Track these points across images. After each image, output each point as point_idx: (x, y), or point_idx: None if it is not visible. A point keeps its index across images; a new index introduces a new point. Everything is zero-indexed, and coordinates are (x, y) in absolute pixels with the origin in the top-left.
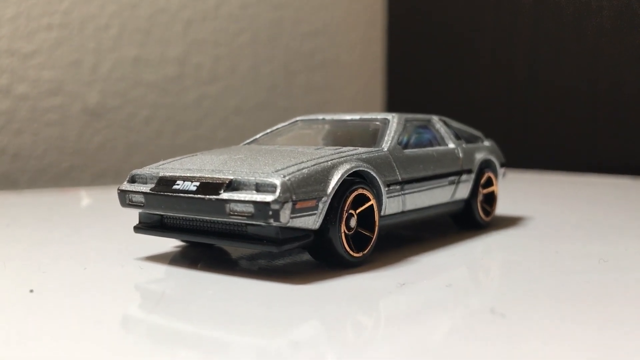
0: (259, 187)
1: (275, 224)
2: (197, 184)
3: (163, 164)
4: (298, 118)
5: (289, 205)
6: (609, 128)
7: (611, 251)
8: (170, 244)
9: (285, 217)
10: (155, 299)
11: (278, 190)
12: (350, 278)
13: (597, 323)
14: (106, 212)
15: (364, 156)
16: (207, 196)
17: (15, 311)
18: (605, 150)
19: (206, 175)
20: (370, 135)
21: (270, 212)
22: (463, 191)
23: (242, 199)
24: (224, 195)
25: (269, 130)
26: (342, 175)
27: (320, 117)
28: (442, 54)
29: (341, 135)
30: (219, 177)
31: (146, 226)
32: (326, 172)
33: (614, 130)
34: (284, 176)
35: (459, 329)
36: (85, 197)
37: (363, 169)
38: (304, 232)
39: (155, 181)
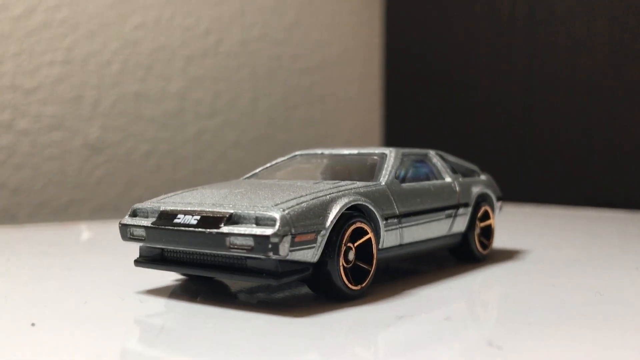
0: (259, 221)
1: (274, 257)
2: (198, 217)
3: (164, 198)
4: (297, 152)
5: (288, 239)
6: (604, 162)
7: (607, 284)
8: (170, 277)
9: (284, 250)
10: (155, 332)
11: (277, 224)
12: (348, 311)
13: (594, 356)
14: (106, 246)
15: (362, 190)
16: (208, 230)
17: (17, 345)
18: (601, 184)
19: (207, 209)
20: (368, 169)
21: (270, 246)
22: (460, 224)
23: (242, 232)
24: (224, 229)
25: (268, 165)
26: (341, 209)
27: (318, 151)
28: (438, 89)
29: (339, 170)
30: (219, 210)
31: (147, 260)
32: (325, 206)
33: (609, 164)
34: (284, 210)
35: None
36: (85, 231)
37: (361, 202)
38: (303, 265)
39: (157, 215)
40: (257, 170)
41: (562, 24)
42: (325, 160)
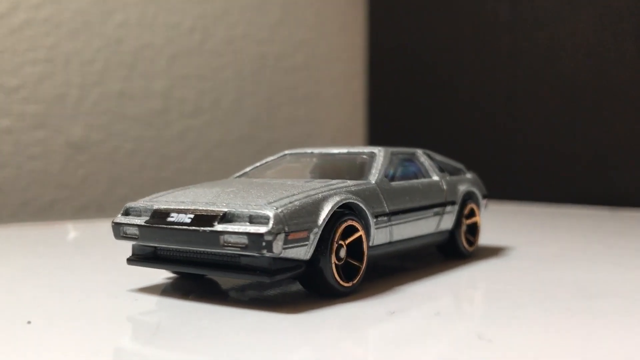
0: (253, 219)
1: (268, 254)
2: (192, 216)
3: (156, 197)
4: (286, 152)
5: (281, 237)
6: (586, 160)
7: (590, 279)
8: (161, 275)
9: (278, 248)
10: (150, 330)
11: (271, 222)
12: (340, 307)
13: (579, 347)
14: (94, 245)
15: (352, 189)
16: (202, 228)
17: (13, 344)
18: (583, 182)
19: (200, 208)
20: (357, 168)
21: (264, 243)
22: (447, 222)
23: (236, 230)
24: (218, 227)
25: (258, 164)
26: (333, 207)
27: (308, 150)
28: (422, 88)
29: (329, 169)
30: (213, 209)
31: (139, 258)
32: (317, 205)
33: (591, 162)
34: (277, 208)
35: (448, 355)
36: (71, 231)
37: (352, 201)
38: (296, 263)
39: (150, 214)
40: (248, 169)
41: (544, 25)
42: (314, 159)
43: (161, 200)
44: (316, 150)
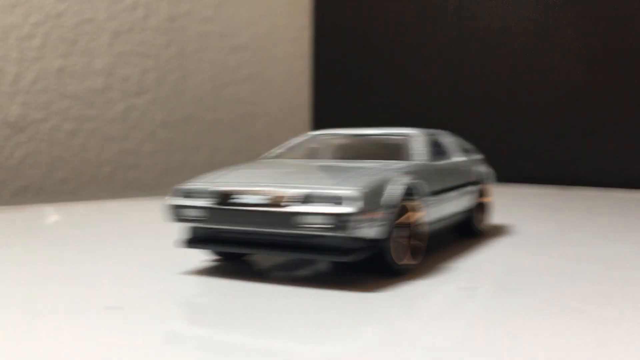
0: (335, 200)
1: (352, 234)
2: (269, 197)
3: (212, 179)
4: (312, 133)
5: (363, 217)
6: (533, 142)
7: (610, 253)
8: (199, 258)
9: (359, 227)
10: (203, 312)
11: (355, 202)
12: (407, 285)
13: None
14: (99, 230)
15: (411, 169)
16: (281, 209)
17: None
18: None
19: (278, 189)
20: (396, 149)
21: (347, 223)
22: (472, 200)
23: (320, 211)
24: (300, 208)
25: (290, 144)
26: (404, 187)
27: (336, 132)
28: (367, 68)
29: (364, 150)
30: (292, 190)
31: (199, 240)
32: (388, 185)
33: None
34: (359, 189)
35: (521, 326)
36: (52, 214)
37: (417, 181)
38: (370, 242)
39: (216, 195)
40: (280, 150)
41: (489, 8)
42: (345, 141)
43: (222, 182)
44: (346, 132)
